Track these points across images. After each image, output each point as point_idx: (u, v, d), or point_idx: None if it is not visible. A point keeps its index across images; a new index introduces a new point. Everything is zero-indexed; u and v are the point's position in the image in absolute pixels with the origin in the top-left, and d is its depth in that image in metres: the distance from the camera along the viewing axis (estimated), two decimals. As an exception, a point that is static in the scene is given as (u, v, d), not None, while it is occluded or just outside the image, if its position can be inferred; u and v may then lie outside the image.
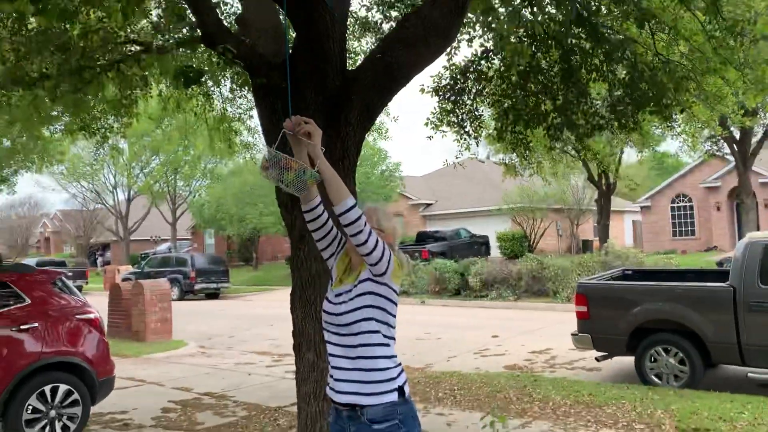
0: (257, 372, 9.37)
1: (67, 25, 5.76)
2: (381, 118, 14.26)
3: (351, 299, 2.52)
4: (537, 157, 10.60)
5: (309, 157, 2.50)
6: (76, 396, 5.99)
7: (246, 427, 6.26)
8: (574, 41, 6.70)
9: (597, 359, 8.29)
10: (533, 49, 6.71)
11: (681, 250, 29.03)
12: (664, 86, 6.75)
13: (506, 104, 7.56)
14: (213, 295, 24.87)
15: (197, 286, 24.05)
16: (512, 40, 6.07)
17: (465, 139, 8.69)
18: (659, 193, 32.49)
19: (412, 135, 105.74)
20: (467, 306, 17.80)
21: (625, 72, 6.99)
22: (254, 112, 9.95)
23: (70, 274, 23.39)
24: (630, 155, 30.47)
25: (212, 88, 8.78)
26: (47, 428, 5.76)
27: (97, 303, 8.37)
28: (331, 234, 2.67)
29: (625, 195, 40.87)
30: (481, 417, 6.08)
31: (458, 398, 7.05)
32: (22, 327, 5.74)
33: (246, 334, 13.71)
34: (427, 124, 8.75)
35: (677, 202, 31.78)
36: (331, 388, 2.57)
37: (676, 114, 7.83)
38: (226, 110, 9.51)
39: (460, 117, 8.33)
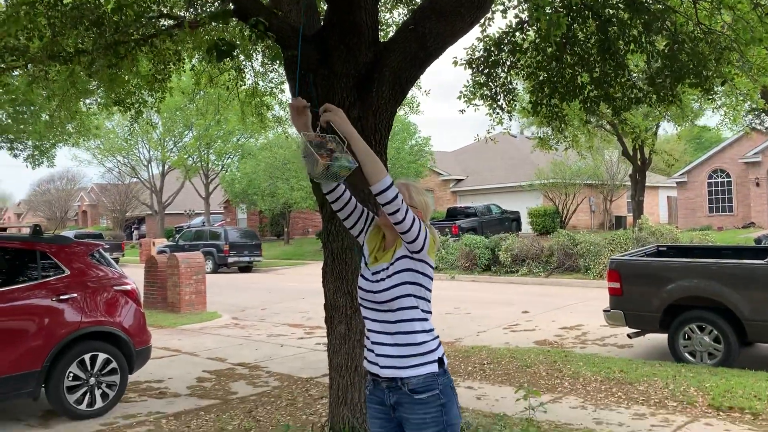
0: (289, 344, 9.52)
1: (101, 0, 5.81)
2: (412, 91, 14.12)
3: (389, 276, 2.51)
4: (573, 130, 10.40)
5: (341, 135, 2.49)
6: (114, 365, 6.15)
7: (279, 397, 6.38)
8: (611, 11, 6.51)
9: (629, 336, 8.21)
10: (569, 20, 6.53)
11: (717, 227, 28.42)
12: (705, 57, 6.53)
13: (541, 77, 7.40)
14: (246, 268, 25.25)
15: (230, 260, 24.45)
16: (548, 10, 5.92)
17: (498, 113, 8.57)
18: (696, 168, 31.70)
19: (442, 108, 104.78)
20: (497, 282, 17.75)
21: (664, 43, 6.78)
22: (286, 86, 9.94)
23: (107, 246, 23.91)
24: (667, 129, 29.78)
25: (244, 62, 8.79)
26: (87, 395, 5.94)
27: (133, 275, 8.55)
28: (356, 212, 2.67)
29: (661, 170, 40.04)
30: (515, 390, 6.09)
31: (487, 372, 7.07)
32: (62, 297, 5.90)
33: (278, 307, 13.90)
34: (460, 98, 8.65)
35: (714, 178, 31.00)
36: (371, 362, 2.58)
37: (717, 86, 7.59)
38: (258, 84, 9.52)
39: (493, 90, 8.20)
